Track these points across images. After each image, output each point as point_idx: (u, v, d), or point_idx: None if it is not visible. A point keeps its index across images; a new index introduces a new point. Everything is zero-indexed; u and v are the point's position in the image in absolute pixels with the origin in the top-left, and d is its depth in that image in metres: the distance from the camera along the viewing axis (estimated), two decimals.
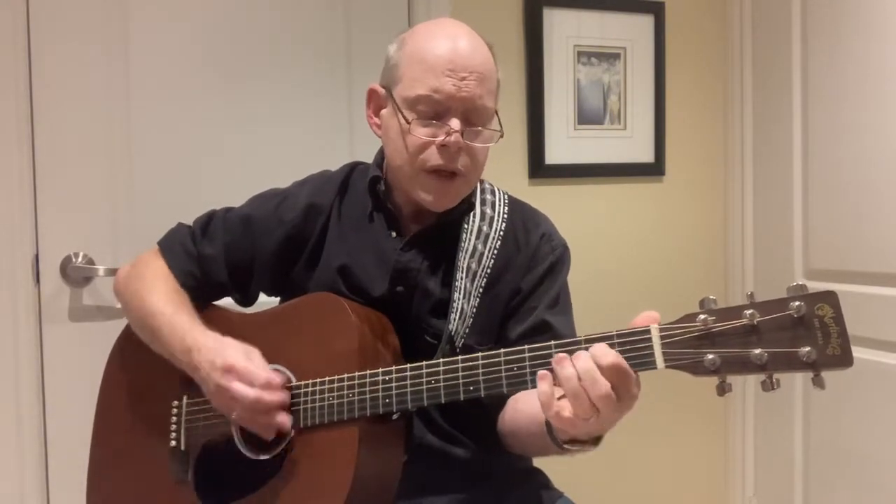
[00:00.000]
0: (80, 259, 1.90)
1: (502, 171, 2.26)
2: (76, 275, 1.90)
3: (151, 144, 1.95)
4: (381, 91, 1.25)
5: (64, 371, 1.88)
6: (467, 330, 1.22)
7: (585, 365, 0.94)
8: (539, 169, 2.35)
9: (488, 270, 1.25)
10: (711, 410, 2.64)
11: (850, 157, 2.21)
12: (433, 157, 1.18)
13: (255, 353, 1.16)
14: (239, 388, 1.11)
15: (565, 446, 1.04)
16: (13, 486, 1.86)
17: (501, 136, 1.24)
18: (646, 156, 2.50)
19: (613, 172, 2.46)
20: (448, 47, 1.18)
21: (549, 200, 2.34)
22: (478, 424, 1.25)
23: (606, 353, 0.94)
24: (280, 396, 1.13)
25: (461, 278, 1.22)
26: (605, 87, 2.43)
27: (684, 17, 2.53)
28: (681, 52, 2.53)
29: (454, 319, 1.20)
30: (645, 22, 2.47)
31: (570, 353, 0.97)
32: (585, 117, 2.41)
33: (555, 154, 2.36)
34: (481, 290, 1.24)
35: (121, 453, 1.33)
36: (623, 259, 2.48)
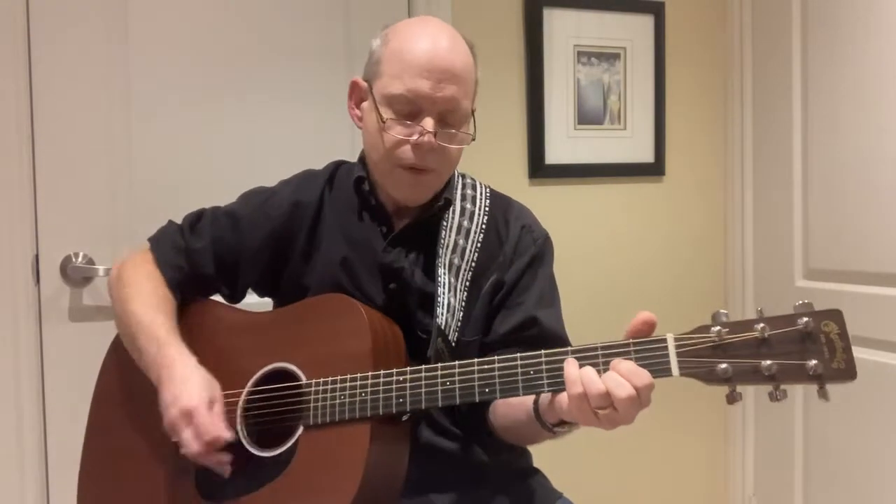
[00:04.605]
0: (80, 259, 1.90)
1: (502, 171, 2.28)
2: (76, 275, 1.90)
3: (151, 144, 1.95)
4: (363, 85, 1.27)
5: (64, 371, 1.88)
6: (459, 324, 1.23)
7: (613, 375, 0.97)
8: (539, 169, 2.35)
9: (472, 264, 1.27)
10: (711, 411, 2.64)
11: (850, 156, 2.21)
12: (407, 156, 1.21)
13: (217, 402, 1.17)
14: (187, 437, 1.13)
15: (555, 429, 1.09)
16: (13, 486, 1.86)
17: (473, 140, 1.26)
18: (646, 156, 2.51)
19: (613, 172, 2.46)
20: (427, 48, 1.19)
21: (549, 200, 2.36)
22: (474, 421, 1.26)
23: (638, 374, 0.96)
24: (218, 459, 1.15)
25: (444, 274, 1.24)
26: (605, 87, 2.43)
27: (684, 17, 2.53)
28: (681, 52, 2.53)
29: (442, 314, 1.21)
30: (645, 22, 2.47)
31: (588, 358, 1.00)
32: (585, 117, 2.41)
33: (555, 154, 2.36)
34: (468, 283, 1.26)
35: (118, 451, 1.33)
36: (623, 259, 2.48)
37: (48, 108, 1.87)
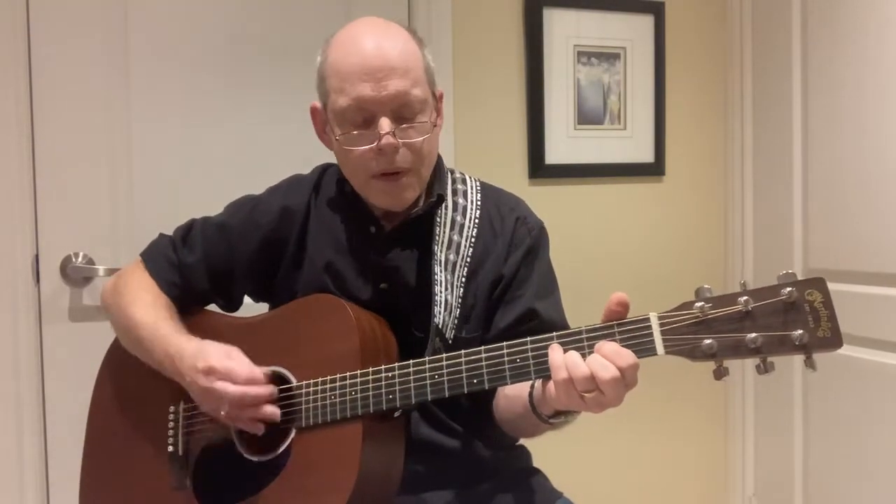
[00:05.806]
0: (80, 259, 1.90)
1: (502, 171, 2.28)
2: (76, 275, 1.90)
3: (151, 144, 1.95)
4: (319, 107, 1.26)
5: (64, 371, 1.88)
6: (456, 321, 1.23)
7: (596, 357, 0.97)
8: (539, 169, 2.35)
9: (468, 260, 1.26)
10: (712, 410, 2.64)
11: (850, 156, 2.21)
12: (373, 164, 1.19)
13: (235, 351, 1.17)
14: (222, 386, 1.12)
15: (550, 420, 1.09)
16: (13, 486, 1.86)
17: (435, 126, 1.22)
18: (646, 156, 2.50)
19: (613, 172, 2.46)
20: (358, 51, 1.17)
21: (549, 200, 2.36)
22: (475, 416, 1.26)
23: (621, 354, 0.96)
24: (265, 389, 1.14)
25: (440, 271, 1.23)
26: (605, 87, 2.43)
27: (684, 17, 2.53)
28: (681, 52, 2.53)
29: (439, 312, 1.20)
30: (645, 22, 2.47)
31: (573, 343, 1.00)
32: (585, 117, 2.41)
33: (555, 154, 2.36)
34: (464, 279, 1.25)
35: (116, 462, 1.33)
36: (623, 259, 2.48)
37: (48, 108, 1.87)
